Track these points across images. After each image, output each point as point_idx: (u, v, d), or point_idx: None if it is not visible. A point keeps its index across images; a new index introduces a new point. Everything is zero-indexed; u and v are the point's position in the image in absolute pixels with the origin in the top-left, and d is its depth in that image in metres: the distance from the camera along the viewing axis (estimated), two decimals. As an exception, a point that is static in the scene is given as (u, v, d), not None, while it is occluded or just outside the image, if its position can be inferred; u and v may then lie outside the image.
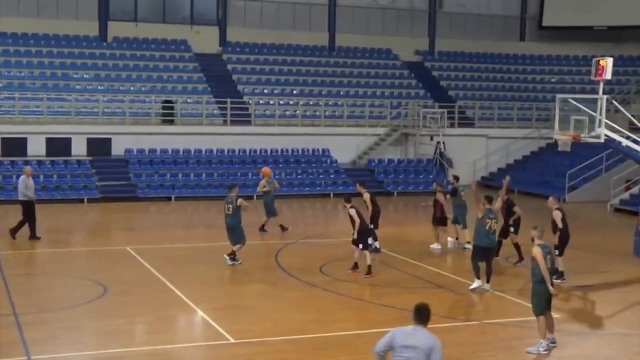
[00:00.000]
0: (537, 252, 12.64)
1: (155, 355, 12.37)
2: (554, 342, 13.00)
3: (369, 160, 35.47)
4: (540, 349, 12.71)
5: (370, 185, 33.47)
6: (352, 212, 17.64)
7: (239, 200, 18.58)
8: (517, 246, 19.27)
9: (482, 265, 16.47)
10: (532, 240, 13.06)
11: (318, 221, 26.44)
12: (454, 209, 21.02)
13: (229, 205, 18.56)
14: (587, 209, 30.10)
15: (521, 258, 19.03)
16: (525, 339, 13.47)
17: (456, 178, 22.00)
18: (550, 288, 12.63)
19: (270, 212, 23.22)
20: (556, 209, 17.71)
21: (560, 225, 17.33)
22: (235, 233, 18.61)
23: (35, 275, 16.10)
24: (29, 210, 21.57)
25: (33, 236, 21.52)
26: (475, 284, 16.53)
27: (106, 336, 13.25)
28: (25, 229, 21.44)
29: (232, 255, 18.56)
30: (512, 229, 19.29)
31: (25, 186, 21.63)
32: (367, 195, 20.07)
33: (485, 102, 40.64)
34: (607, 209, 30.48)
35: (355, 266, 17.99)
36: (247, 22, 41.05)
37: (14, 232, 21.49)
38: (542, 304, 12.75)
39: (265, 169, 24.30)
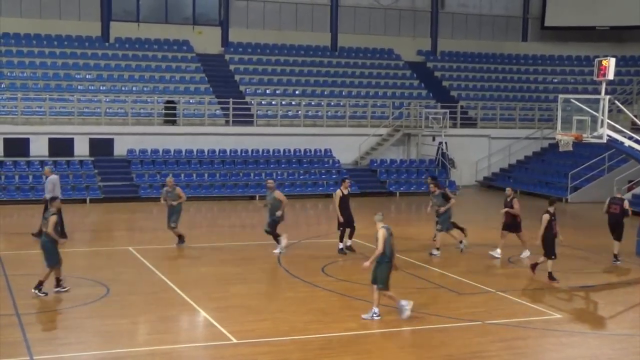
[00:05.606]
0: (381, 233, 14.07)
1: (157, 355, 12.37)
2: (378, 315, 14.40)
3: (371, 161, 35.45)
4: (374, 316, 14.31)
5: (371, 186, 33.93)
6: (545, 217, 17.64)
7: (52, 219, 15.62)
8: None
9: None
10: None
11: (320, 222, 26.35)
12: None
13: (45, 221, 15.89)
14: (590, 210, 30.01)
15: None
16: (528, 339, 13.49)
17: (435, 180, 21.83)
18: (366, 263, 14.39)
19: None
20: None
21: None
22: (44, 253, 15.88)
23: (37, 276, 16.06)
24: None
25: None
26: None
27: (109, 336, 13.26)
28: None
29: (40, 286, 15.67)
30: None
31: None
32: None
33: (487, 102, 40.63)
34: (609, 209, 30.40)
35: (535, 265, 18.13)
36: (249, 22, 41.06)
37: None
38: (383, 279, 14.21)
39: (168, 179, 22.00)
